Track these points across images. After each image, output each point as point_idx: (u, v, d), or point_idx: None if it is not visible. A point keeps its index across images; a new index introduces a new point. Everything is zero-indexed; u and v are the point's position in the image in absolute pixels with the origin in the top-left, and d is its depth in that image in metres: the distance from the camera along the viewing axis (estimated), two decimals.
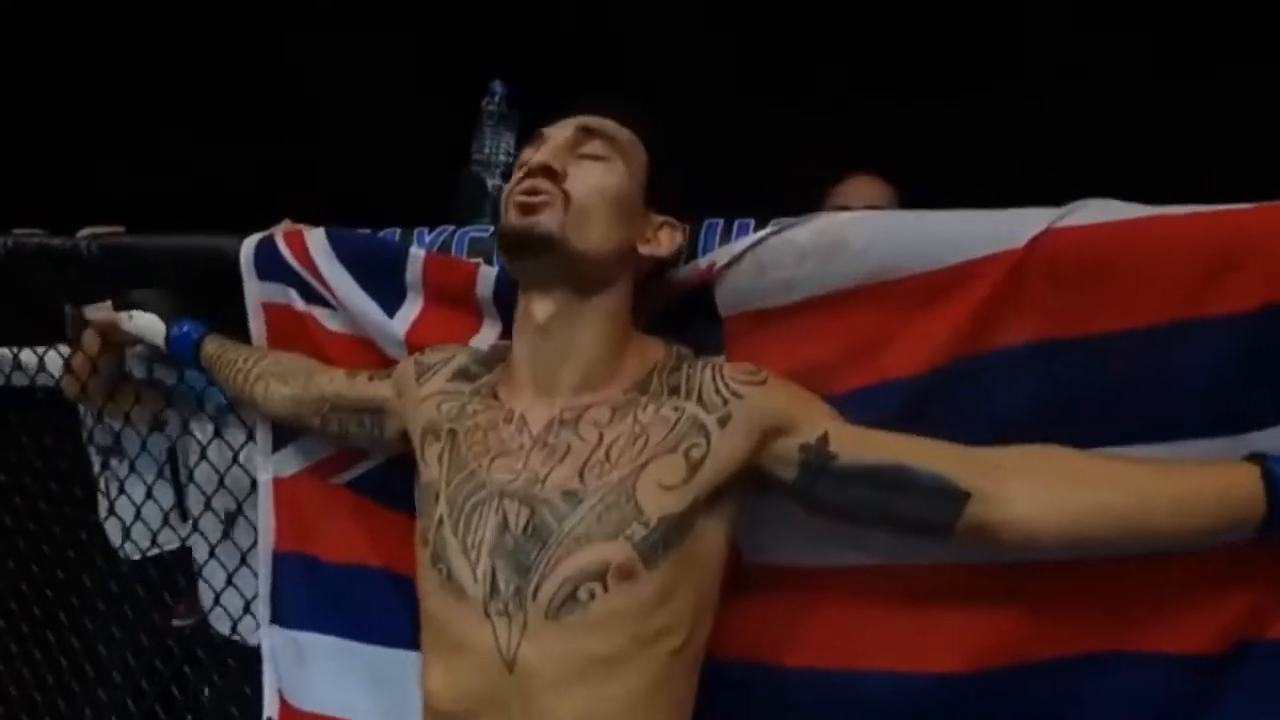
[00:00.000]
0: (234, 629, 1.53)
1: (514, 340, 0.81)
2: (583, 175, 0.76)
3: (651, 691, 0.72)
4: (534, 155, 0.78)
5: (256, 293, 1.06)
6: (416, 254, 0.94)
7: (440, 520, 0.77)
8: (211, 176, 2.84)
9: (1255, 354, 0.68)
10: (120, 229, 1.24)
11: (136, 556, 1.73)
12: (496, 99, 0.99)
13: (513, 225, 0.75)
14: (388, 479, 1.02)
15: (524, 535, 0.73)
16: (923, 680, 0.78)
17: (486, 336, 0.91)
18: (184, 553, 1.77)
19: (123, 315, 1.13)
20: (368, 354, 0.97)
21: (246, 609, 1.46)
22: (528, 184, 0.75)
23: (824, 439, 0.74)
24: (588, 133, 0.78)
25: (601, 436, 0.74)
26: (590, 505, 0.72)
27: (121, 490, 1.63)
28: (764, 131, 2.35)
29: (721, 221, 0.83)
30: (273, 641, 1.13)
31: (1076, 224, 0.72)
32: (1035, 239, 0.72)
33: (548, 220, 0.74)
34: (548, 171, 0.75)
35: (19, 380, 1.74)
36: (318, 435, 1.06)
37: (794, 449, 0.74)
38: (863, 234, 0.77)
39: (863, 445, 0.74)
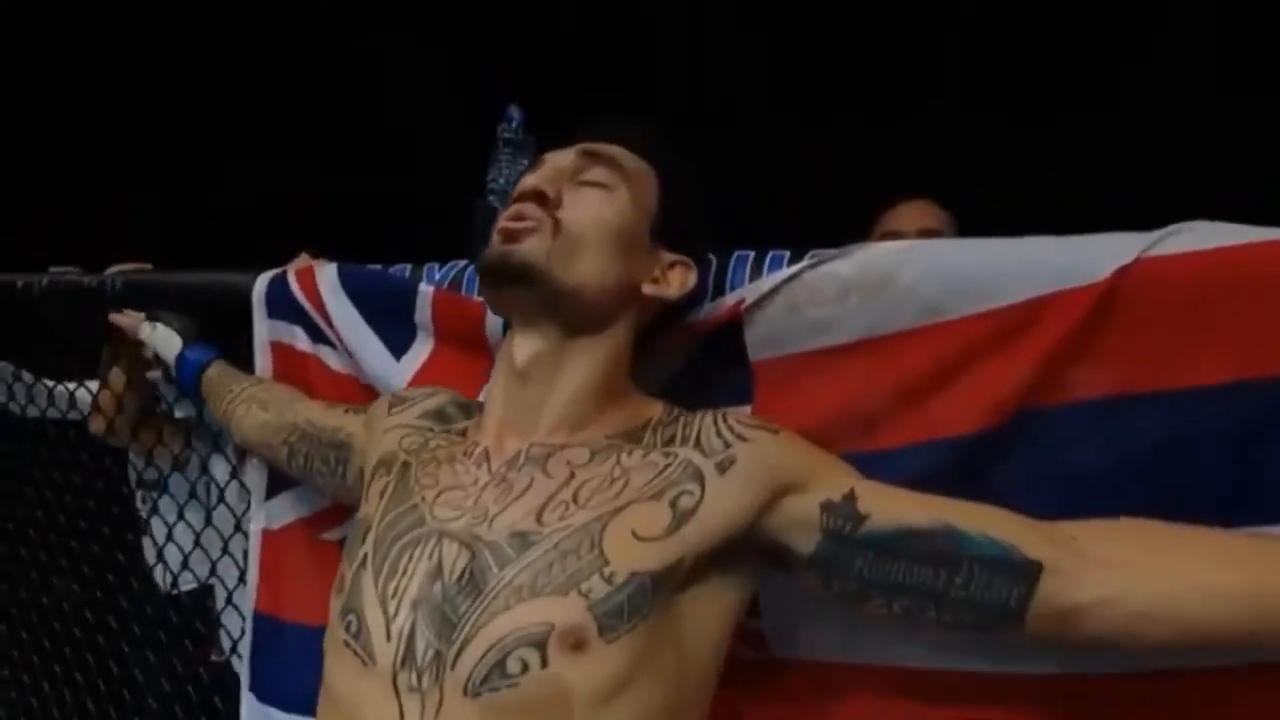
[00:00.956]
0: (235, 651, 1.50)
1: (489, 388, 0.71)
2: (580, 203, 0.68)
3: None
4: (526, 180, 0.70)
5: (265, 332, 1.02)
6: (425, 291, 0.88)
7: (363, 561, 0.64)
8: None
9: None
10: (148, 266, 1.23)
11: (176, 590, 1.74)
12: (514, 125, 0.93)
13: (492, 252, 0.66)
14: None
15: (456, 585, 0.59)
16: None
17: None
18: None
19: (145, 325, 1.12)
20: (369, 398, 0.91)
21: None
22: (514, 209, 0.67)
23: (850, 496, 0.60)
24: (591, 157, 0.70)
25: (572, 475, 0.63)
26: (542, 550, 0.58)
27: (164, 524, 1.63)
28: (805, 152, 2.23)
29: (753, 253, 0.73)
30: (250, 713, 1.05)
31: (1172, 252, 0.61)
32: (1121, 271, 0.61)
33: (530, 248, 0.65)
34: (538, 196, 0.67)
35: (54, 414, 1.77)
36: (305, 490, 1.01)
37: (813, 509, 0.60)
38: (915, 266, 0.67)
39: (899, 506, 0.60)
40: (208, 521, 1.47)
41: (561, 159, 0.71)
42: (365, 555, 0.64)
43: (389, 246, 0.98)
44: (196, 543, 1.59)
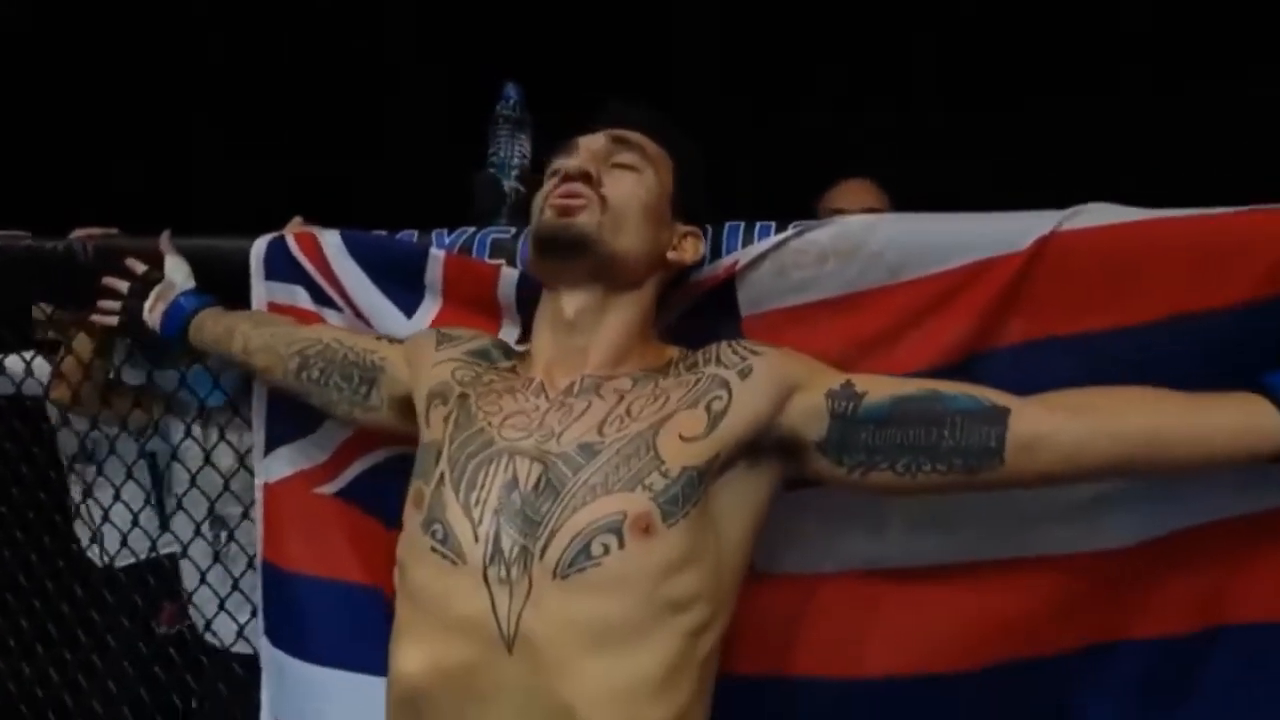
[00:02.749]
0: (208, 628, 1.52)
1: (534, 336, 0.81)
2: (618, 182, 0.78)
3: (667, 676, 0.67)
4: (568, 161, 0.79)
5: (263, 293, 1.05)
6: (437, 255, 0.94)
7: (440, 479, 0.72)
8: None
9: (1237, 346, 0.73)
10: (114, 230, 1.22)
11: (114, 564, 1.71)
12: (511, 103, 1.01)
13: (551, 223, 0.76)
14: (377, 488, 1.01)
15: (534, 492, 0.69)
16: (929, 681, 0.81)
17: (507, 337, 0.92)
18: (162, 561, 1.75)
19: (168, 243, 1.10)
20: None
21: (221, 611, 1.44)
22: (566, 188, 0.77)
23: (849, 383, 0.73)
24: (621, 143, 0.80)
25: (622, 397, 0.73)
26: (608, 457, 0.69)
27: (100, 501, 1.60)
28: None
29: (743, 224, 0.85)
30: (266, 654, 1.10)
31: (1080, 227, 0.77)
32: (1040, 240, 0.77)
33: (585, 221, 0.75)
34: (585, 177, 0.77)
35: (3, 388, 1.69)
36: (305, 440, 1.05)
37: (820, 400, 0.72)
38: (880, 236, 0.81)
39: (890, 384, 0.73)
40: (192, 483, 1.47)
41: (593, 142, 0.80)
42: (442, 474, 0.73)
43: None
44: (135, 521, 1.58)
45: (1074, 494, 0.77)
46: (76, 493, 1.70)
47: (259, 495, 1.09)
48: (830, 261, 0.81)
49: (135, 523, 1.57)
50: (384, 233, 1.00)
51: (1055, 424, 0.69)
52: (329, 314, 1.03)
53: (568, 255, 0.76)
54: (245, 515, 1.30)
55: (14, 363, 1.66)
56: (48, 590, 1.70)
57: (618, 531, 0.67)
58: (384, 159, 2.82)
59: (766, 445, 0.74)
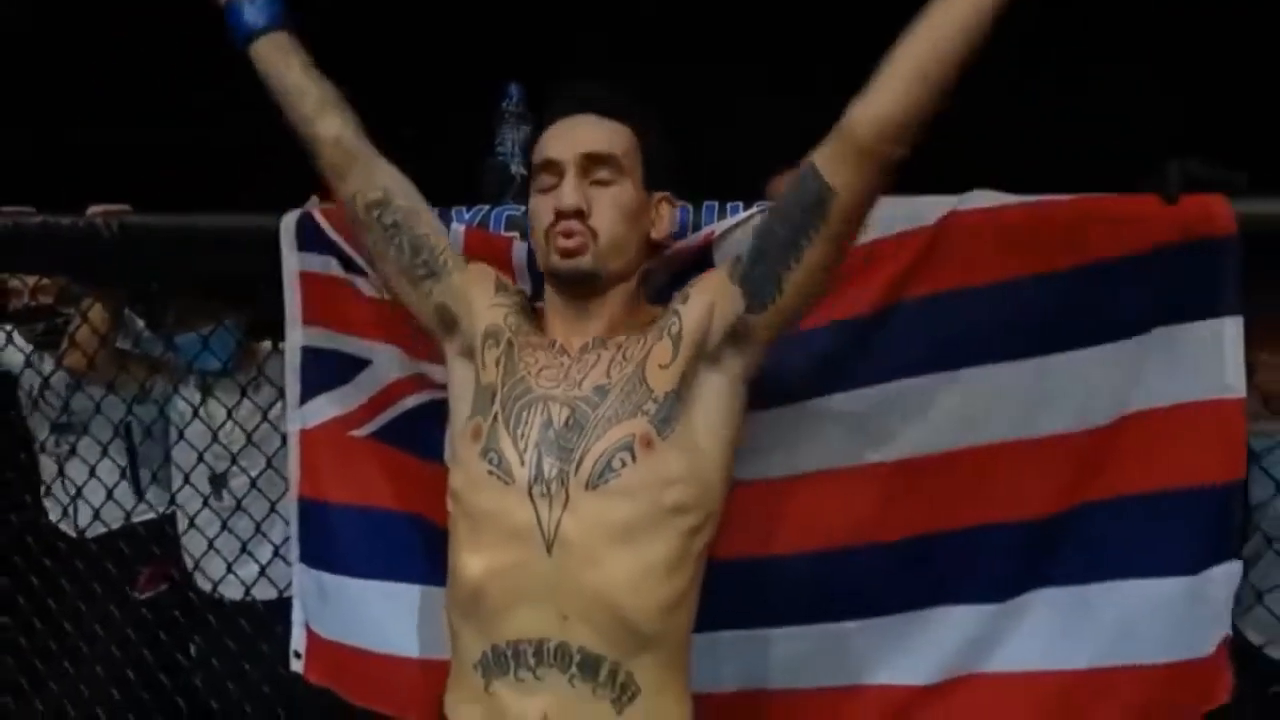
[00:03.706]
0: (216, 588, 1.63)
1: (547, 311, 0.96)
2: (601, 206, 0.90)
3: (668, 565, 0.85)
4: (555, 187, 0.91)
5: (295, 263, 1.19)
6: (458, 228, 1.12)
7: (495, 417, 0.89)
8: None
9: (1069, 294, 1.01)
10: (127, 208, 1.31)
11: (85, 535, 1.77)
12: (514, 101, 1.19)
13: (559, 265, 0.91)
14: (411, 429, 1.18)
15: (565, 428, 0.87)
16: (858, 550, 1.07)
17: None
18: (136, 529, 1.82)
19: None
20: (403, 323, 1.10)
21: (229, 569, 1.56)
22: (565, 226, 0.90)
23: (736, 258, 0.91)
24: (594, 159, 0.91)
25: (620, 347, 0.91)
26: (615, 395, 0.87)
27: (86, 463, 1.67)
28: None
29: (718, 203, 1.07)
30: (301, 579, 1.26)
31: (971, 208, 1.04)
32: (942, 219, 1.03)
33: (587, 261, 0.90)
34: (578, 214, 0.89)
35: None
36: (339, 392, 1.21)
37: (727, 282, 0.90)
38: None
39: (746, 240, 0.92)
40: (180, 438, 1.54)
41: (571, 163, 0.90)
42: (496, 413, 0.90)
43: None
44: (132, 479, 1.66)
45: (955, 406, 1.03)
46: (50, 467, 1.75)
47: (294, 441, 1.23)
48: None
49: (110, 492, 1.65)
50: None
51: (846, 126, 0.82)
52: (359, 281, 1.18)
53: (578, 285, 0.92)
54: (243, 471, 1.42)
55: None
56: (14, 563, 1.74)
57: (630, 449, 0.86)
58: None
59: (718, 342, 0.90)
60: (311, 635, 1.26)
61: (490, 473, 0.88)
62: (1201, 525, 0.99)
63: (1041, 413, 1.04)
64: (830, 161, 0.84)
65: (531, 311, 1.00)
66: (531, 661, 0.84)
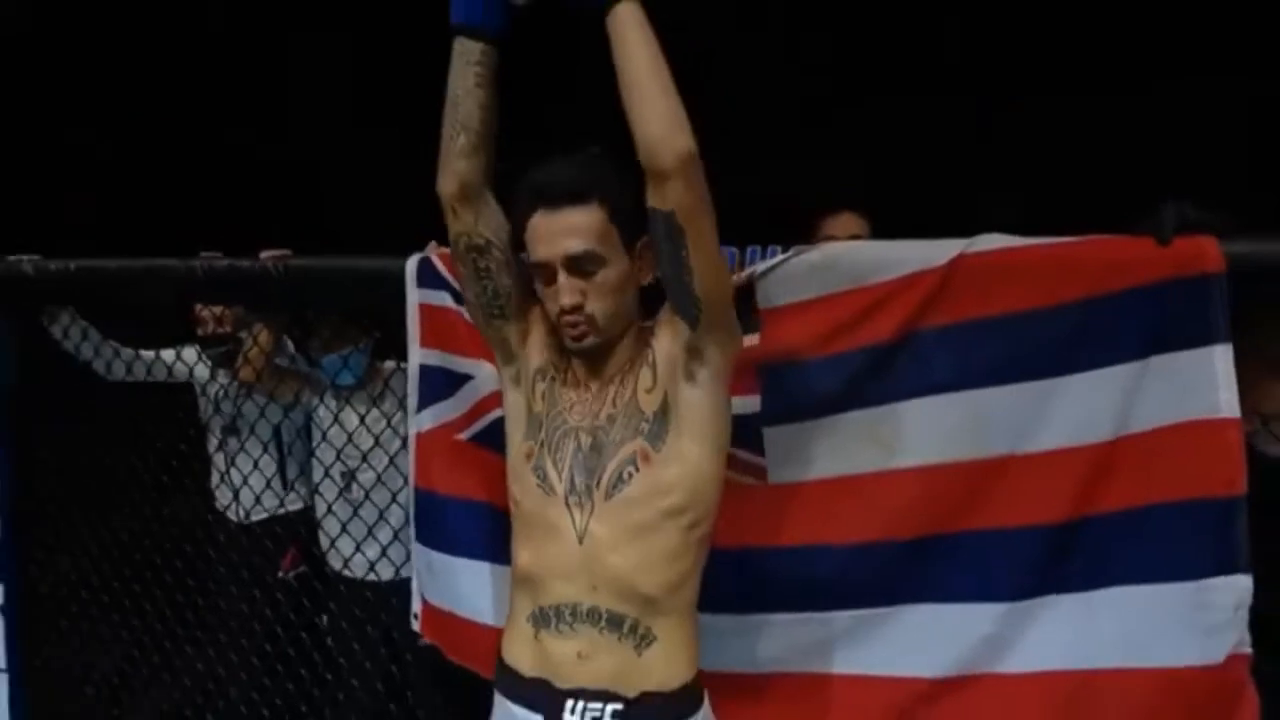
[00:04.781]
0: (346, 565, 1.94)
1: (571, 355, 1.13)
2: (593, 295, 1.06)
3: (672, 554, 1.06)
4: (553, 283, 1.06)
5: (416, 297, 1.47)
6: None
7: (542, 444, 1.12)
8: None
9: (1071, 325, 1.13)
10: (289, 252, 1.63)
11: (248, 520, 2.13)
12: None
13: (575, 350, 1.10)
14: (495, 434, 1.38)
15: (589, 452, 1.09)
16: (877, 545, 1.22)
17: None
18: (287, 516, 2.18)
19: None
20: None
21: (357, 548, 1.86)
22: (567, 320, 1.07)
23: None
24: (576, 259, 1.05)
25: (622, 381, 1.10)
26: (620, 421, 1.08)
27: (250, 457, 2.03)
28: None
29: (759, 247, 1.28)
30: (417, 556, 1.53)
31: (979, 250, 1.19)
32: (952, 260, 1.19)
33: (591, 341, 1.08)
34: (577, 309, 1.06)
35: (157, 376, 2.12)
36: (450, 402, 1.46)
37: (675, 317, 1.07)
38: (847, 257, 1.24)
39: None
40: (323, 438, 1.87)
41: (560, 264, 1.05)
42: (543, 440, 1.13)
43: None
44: (280, 473, 2.00)
45: (964, 423, 1.18)
46: (221, 462, 2.13)
47: (412, 442, 1.51)
48: (816, 275, 1.24)
49: (269, 484, 2.01)
50: None
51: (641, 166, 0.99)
52: (464, 311, 1.44)
53: (588, 352, 1.11)
54: (370, 467, 1.72)
55: (169, 355, 2.10)
56: (183, 549, 2.11)
57: (634, 462, 1.07)
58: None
59: (684, 362, 1.08)
60: (425, 603, 1.52)
61: (538, 485, 1.12)
62: (1200, 535, 1.08)
63: (1044, 430, 1.16)
64: (653, 196, 0.99)
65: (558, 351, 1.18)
66: (569, 619, 1.08)
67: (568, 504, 1.09)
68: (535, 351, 1.17)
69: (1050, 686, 1.16)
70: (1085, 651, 1.14)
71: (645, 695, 1.06)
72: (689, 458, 1.07)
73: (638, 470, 1.07)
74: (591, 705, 1.05)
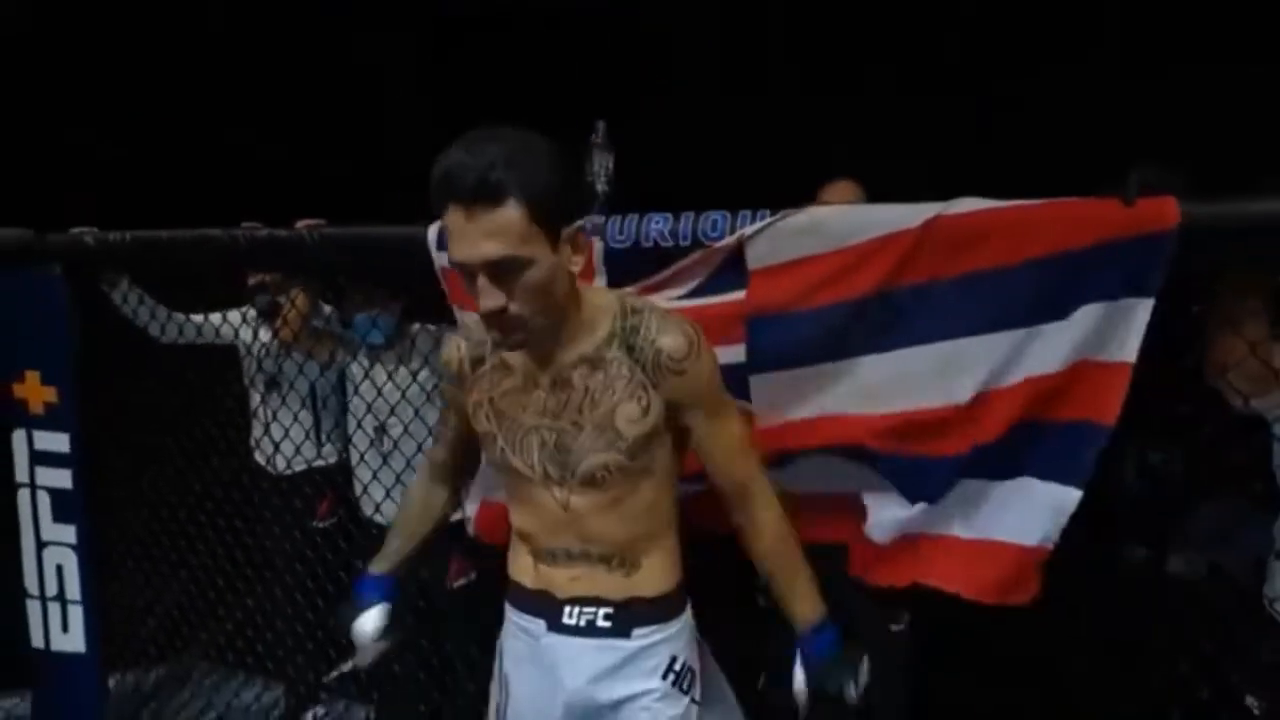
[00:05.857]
0: (377, 510, 2.10)
1: (506, 352, 1.17)
2: (517, 297, 1.03)
3: (652, 506, 1.19)
4: (477, 292, 1.02)
5: (440, 260, 1.60)
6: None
7: (503, 450, 1.20)
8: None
9: (1036, 283, 1.22)
10: (323, 221, 1.77)
11: (287, 471, 2.31)
12: (599, 134, 1.54)
13: (505, 349, 1.14)
14: None
15: (555, 449, 1.16)
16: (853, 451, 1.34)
17: (599, 283, 1.45)
18: (324, 468, 2.35)
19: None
20: None
21: (387, 494, 2.02)
22: (492, 323, 1.05)
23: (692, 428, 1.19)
24: (495, 265, 1.00)
25: (587, 387, 1.14)
26: (589, 430, 1.14)
27: (291, 411, 2.20)
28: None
29: (750, 211, 1.37)
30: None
31: (955, 212, 1.28)
32: (927, 221, 1.28)
33: (521, 339, 1.08)
34: (501, 312, 1.03)
35: (206, 337, 2.30)
36: None
37: (689, 417, 1.18)
38: (832, 220, 1.34)
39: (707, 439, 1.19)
40: (356, 392, 2.02)
41: (482, 271, 1.01)
42: (502, 448, 1.21)
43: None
44: (306, 435, 2.17)
45: (937, 369, 1.28)
46: (263, 417, 2.31)
47: None
48: (804, 236, 1.34)
49: (307, 436, 2.18)
50: None
51: (741, 503, 1.24)
52: None
53: (516, 350, 1.14)
54: (399, 421, 1.87)
55: (215, 318, 2.27)
56: (231, 497, 2.29)
57: (608, 469, 1.15)
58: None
59: (670, 416, 1.18)
60: (484, 503, 1.65)
61: (515, 472, 1.22)
62: (1074, 450, 1.23)
63: (1008, 373, 1.26)
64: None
65: (480, 339, 1.21)
66: (564, 558, 1.22)
67: (546, 485, 1.20)
68: (469, 389, 1.25)
69: (953, 547, 1.34)
70: (967, 522, 1.32)
71: (633, 600, 1.21)
72: (662, 463, 1.19)
73: (611, 474, 1.16)
74: (586, 609, 1.21)
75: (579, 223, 1.08)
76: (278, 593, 2.25)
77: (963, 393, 1.29)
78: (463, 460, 1.39)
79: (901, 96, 2.92)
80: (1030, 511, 1.27)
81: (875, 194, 1.92)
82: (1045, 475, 1.26)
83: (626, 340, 1.15)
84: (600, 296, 1.19)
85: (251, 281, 2.10)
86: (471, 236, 0.99)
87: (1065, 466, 1.25)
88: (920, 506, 1.33)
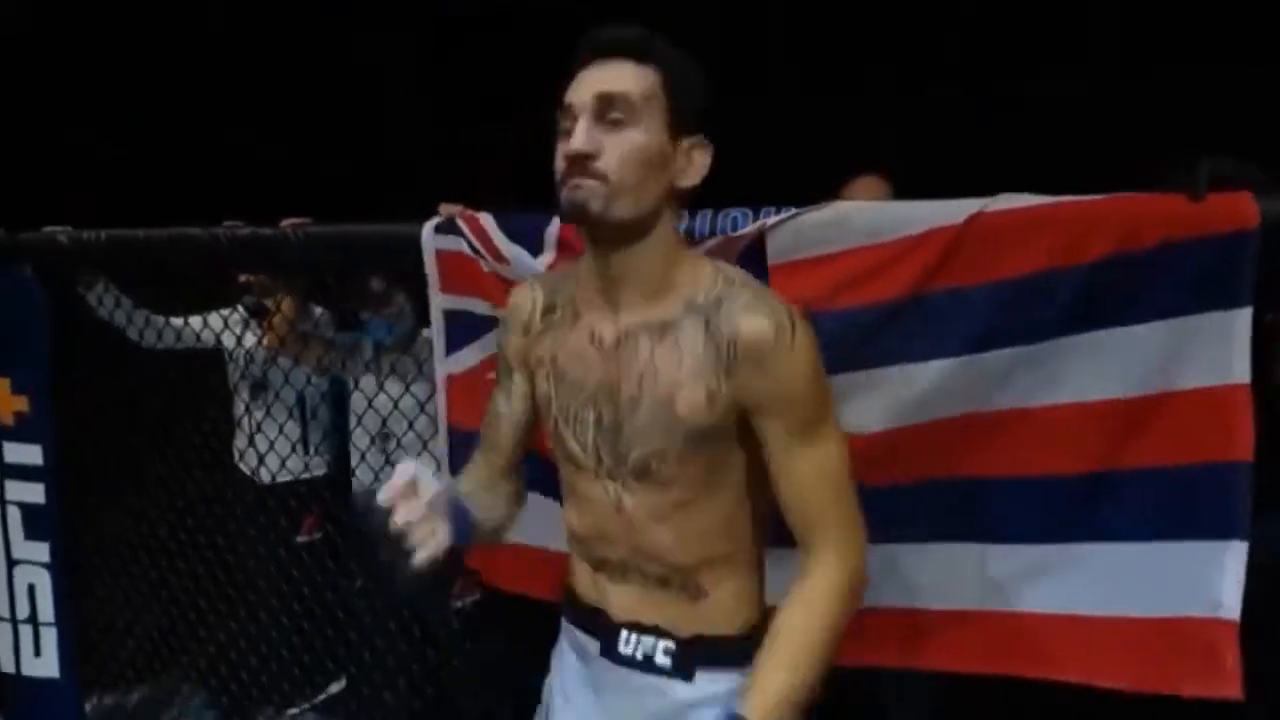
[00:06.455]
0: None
1: (586, 262, 0.97)
2: (613, 148, 0.88)
3: (724, 523, 0.97)
4: (568, 129, 0.89)
5: (433, 245, 1.47)
6: (555, 221, 1.34)
7: (556, 422, 1.02)
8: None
9: (1093, 285, 1.11)
10: (309, 220, 1.65)
11: (273, 482, 2.19)
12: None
13: (566, 206, 0.90)
14: None
15: (609, 428, 0.97)
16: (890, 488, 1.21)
17: None
18: (311, 480, 2.23)
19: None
20: (507, 287, 1.31)
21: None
22: (571, 172, 0.88)
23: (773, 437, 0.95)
24: (608, 101, 0.87)
25: (652, 354, 0.94)
26: (646, 408, 0.94)
27: (259, 427, 2.08)
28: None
29: (774, 208, 1.25)
30: (448, 484, 1.54)
31: (997, 209, 1.16)
32: (970, 218, 1.16)
33: (592, 203, 0.89)
34: (585, 158, 0.88)
35: (186, 342, 2.18)
36: (478, 344, 1.46)
37: (763, 425, 0.95)
38: (861, 215, 1.22)
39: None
40: (349, 394, 1.89)
41: (584, 107, 0.88)
42: (556, 419, 1.02)
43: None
44: (303, 439, 2.05)
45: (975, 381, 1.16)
46: (247, 425, 2.19)
47: (441, 385, 1.53)
48: (830, 230, 1.22)
49: (294, 448, 2.06)
50: (519, 214, 1.43)
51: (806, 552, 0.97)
52: (481, 261, 1.43)
53: (584, 225, 0.93)
54: (410, 427, 1.76)
55: (196, 322, 2.15)
56: (213, 510, 2.18)
57: (664, 457, 0.95)
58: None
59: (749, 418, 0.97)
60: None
61: (567, 459, 1.04)
62: (1205, 499, 1.08)
63: (1059, 387, 1.15)
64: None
65: (560, 285, 1.05)
66: (620, 572, 1.04)
67: (598, 476, 1.01)
68: (534, 344, 1.06)
69: (1060, 627, 1.17)
70: (1091, 597, 1.15)
71: (698, 637, 1.01)
72: (732, 450, 0.96)
73: (668, 462, 0.96)
74: (645, 639, 1.01)
75: (706, 143, 0.95)
76: (262, 614, 2.12)
77: (1004, 406, 1.17)
78: (524, 454, 1.15)
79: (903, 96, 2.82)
80: (1174, 577, 1.10)
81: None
82: (1177, 533, 1.11)
83: (707, 312, 0.94)
84: (696, 260, 0.99)
85: (241, 279, 1.97)
86: (593, 76, 0.91)
87: (1202, 518, 1.09)
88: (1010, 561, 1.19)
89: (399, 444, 1.86)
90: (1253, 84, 2.40)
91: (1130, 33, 2.70)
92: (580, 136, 0.89)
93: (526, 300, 1.08)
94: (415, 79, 3.54)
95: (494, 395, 1.14)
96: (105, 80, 2.94)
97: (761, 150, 2.75)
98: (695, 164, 0.95)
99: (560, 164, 0.92)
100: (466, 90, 3.41)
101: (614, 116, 0.89)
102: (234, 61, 3.17)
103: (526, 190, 1.33)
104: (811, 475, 0.95)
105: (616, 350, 0.97)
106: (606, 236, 0.93)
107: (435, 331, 1.52)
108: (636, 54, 0.91)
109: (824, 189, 1.84)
